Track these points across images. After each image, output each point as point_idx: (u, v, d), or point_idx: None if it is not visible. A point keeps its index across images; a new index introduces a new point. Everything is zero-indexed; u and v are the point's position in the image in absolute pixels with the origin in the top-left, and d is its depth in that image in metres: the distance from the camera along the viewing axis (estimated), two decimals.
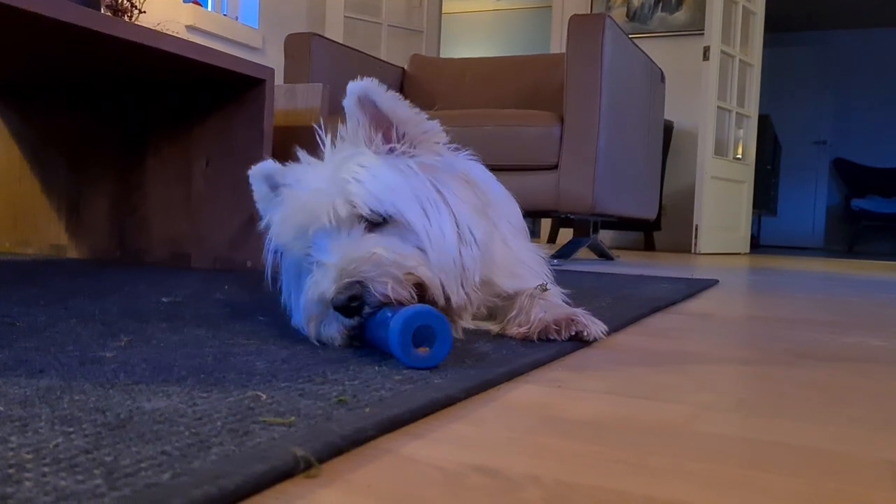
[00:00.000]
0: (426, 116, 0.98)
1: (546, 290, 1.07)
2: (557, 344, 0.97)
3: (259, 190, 1.04)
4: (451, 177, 0.97)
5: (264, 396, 0.64)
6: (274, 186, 1.01)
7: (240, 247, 1.91)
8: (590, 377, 0.83)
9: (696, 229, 5.07)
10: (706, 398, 0.76)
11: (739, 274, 3.03)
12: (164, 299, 1.27)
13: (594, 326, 1.01)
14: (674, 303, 1.65)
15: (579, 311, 1.03)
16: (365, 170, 0.91)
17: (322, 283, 0.86)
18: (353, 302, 0.84)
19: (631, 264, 3.29)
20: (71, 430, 0.52)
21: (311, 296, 0.88)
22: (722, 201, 5.26)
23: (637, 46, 3.23)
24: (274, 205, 1.00)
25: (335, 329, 0.88)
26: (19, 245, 2.26)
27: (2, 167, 2.27)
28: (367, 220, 0.89)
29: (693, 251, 5.11)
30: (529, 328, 0.98)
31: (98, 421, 0.55)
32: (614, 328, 1.20)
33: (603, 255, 3.64)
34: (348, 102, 0.94)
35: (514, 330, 1.00)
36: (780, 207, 8.87)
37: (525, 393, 0.75)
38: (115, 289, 1.41)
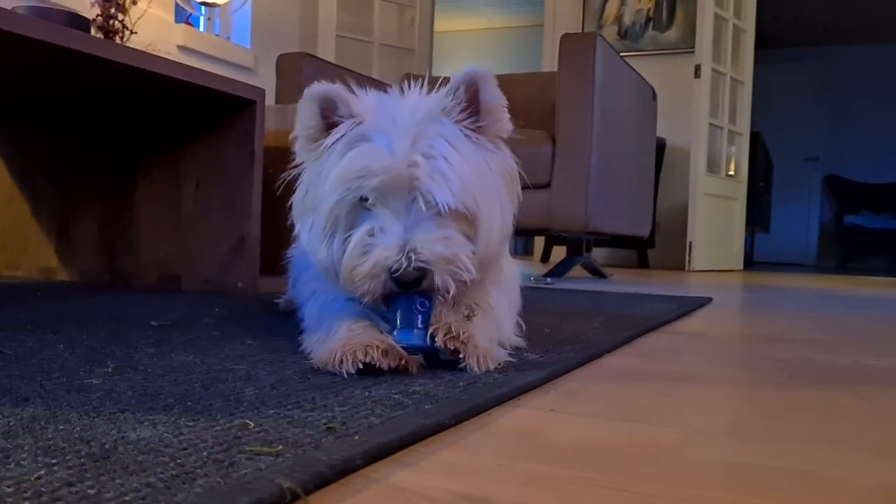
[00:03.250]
0: (507, 113, 1.00)
1: (473, 315, 1.00)
2: (548, 366, 0.96)
3: (309, 110, 0.98)
4: (502, 171, 1.00)
5: (252, 424, 0.63)
6: (328, 111, 0.97)
7: (230, 269, 1.90)
8: (582, 401, 0.83)
9: (690, 246, 5.08)
10: (699, 421, 0.75)
11: (733, 291, 3.03)
12: (152, 323, 1.26)
13: (478, 358, 0.91)
14: (667, 322, 1.65)
15: (478, 337, 0.94)
16: (453, 152, 0.92)
17: (389, 249, 0.88)
18: (418, 284, 0.89)
19: (624, 282, 3.28)
20: (54, 461, 0.51)
21: (365, 248, 0.90)
22: (715, 218, 5.28)
23: (628, 65, 3.24)
24: (336, 135, 0.96)
25: (377, 287, 0.90)
26: (8, 268, 2.24)
27: None
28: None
29: (687, 268, 5.11)
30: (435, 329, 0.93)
31: (82, 452, 0.54)
32: (607, 349, 1.19)
33: (596, 273, 3.64)
34: (459, 76, 0.96)
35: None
36: (773, 224, 8.90)
37: (516, 418, 0.74)
38: (104, 313, 1.40)
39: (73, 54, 1.46)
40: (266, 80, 4.68)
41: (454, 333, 0.90)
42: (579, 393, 0.87)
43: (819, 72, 9.13)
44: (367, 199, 0.91)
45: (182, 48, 4.16)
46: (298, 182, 1.02)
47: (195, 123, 1.96)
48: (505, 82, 3.49)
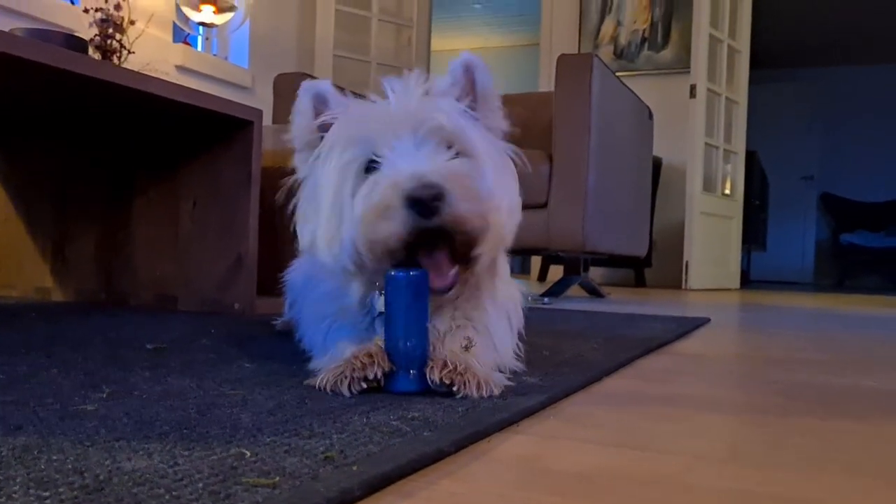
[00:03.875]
0: (501, 108, 1.00)
1: (472, 346, 0.97)
2: (547, 390, 0.96)
3: (303, 105, 0.97)
4: (504, 155, 0.99)
5: (248, 454, 0.62)
6: (322, 108, 0.96)
7: (227, 289, 1.90)
8: (582, 426, 0.82)
9: (687, 265, 5.08)
10: (700, 447, 0.75)
11: (730, 311, 3.03)
12: (148, 346, 1.25)
13: (472, 385, 0.88)
14: (666, 343, 1.64)
15: (483, 367, 0.93)
16: (451, 111, 0.91)
17: (399, 175, 0.84)
18: (436, 201, 0.82)
19: (622, 302, 3.28)
20: (46, 494, 0.51)
21: (376, 186, 0.85)
22: (711, 237, 5.28)
23: (624, 85, 3.26)
24: (328, 117, 0.95)
25: (397, 228, 0.84)
26: (3, 288, 2.23)
27: None
28: (446, 146, 0.89)
29: (683, 287, 5.11)
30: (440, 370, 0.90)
31: (76, 484, 0.53)
32: (606, 371, 1.18)
33: (594, 292, 3.63)
34: (457, 62, 0.97)
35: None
36: (770, 242, 8.91)
37: (516, 444, 0.73)
38: (99, 334, 1.39)
39: (72, 76, 1.46)
40: (264, 99, 4.69)
41: (450, 367, 0.89)
42: (579, 418, 0.86)
43: (813, 91, 9.18)
44: (373, 158, 0.89)
45: (180, 68, 4.17)
46: (299, 191, 0.99)
47: (193, 143, 1.96)
48: (503, 101, 3.49)
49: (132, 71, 1.57)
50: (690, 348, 1.61)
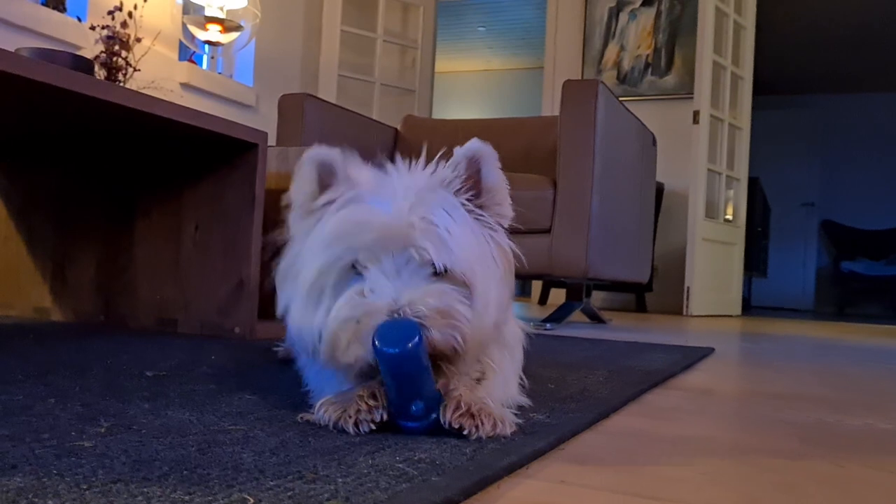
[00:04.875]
0: (508, 198, 0.97)
1: (483, 378, 0.98)
2: (555, 429, 0.93)
3: (307, 174, 0.94)
4: (501, 252, 0.96)
5: (251, 500, 0.60)
6: (326, 177, 0.93)
7: (228, 313, 1.87)
8: (592, 470, 0.80)
9: (688, 291, 5.06)
10: (713, 496, 0.72)
11: (734, 340, 3.00)
12: (147, 373, 1.23)
13: (487, 426, 0.86)
14: (671, 376, 1.62)
15: (494, 404, 0.91)
16: (451, 220, 0.88)
17: (377, 303, 0.83)
18: None
19: (624, 329, 3.25)
20: None
21: (352, 309, 0.85)
22: (713, 263, 5.27)
23: (629, 111, 3.25)
24: (331, 196, 0.92)
25: (365, 355, 0.84)
26: (1, 307, 2.21)
27: None
28: (433, 265, 0.87)
29: (685, 313, 5.09)
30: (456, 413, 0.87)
31: None
32: (613, 407, 1.16)
33: (595, 318, 3.61)
34: (462, 151, 0.93)
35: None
36: (770, 269, 8.90)
37: (527, 491, 0.71)
38: (98, 361, 1.37)
39: (77, 97, 1.45)
40: (268, 118, 4.69)
41: (464, 409, 0.86)
42: (589, 460, 0.84)
43: (815, 118, 9.21)
44: (357, 264, 0.87)
45: (185, 85, 4.17)
46: (286, 249, 0.98)
47: (197, 164, 1.95)
48: (507, 126, 3.51)
49: (139, 93, 1.56)
50: (697, 382, 1.59)
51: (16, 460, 0.68)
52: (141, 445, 0.76)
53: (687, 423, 1.11)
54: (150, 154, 2.03)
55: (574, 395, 1.25)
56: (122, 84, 3.45)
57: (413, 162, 0.96)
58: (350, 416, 0.86)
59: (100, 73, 3.25)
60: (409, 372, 0.83)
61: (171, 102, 1.63)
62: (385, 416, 0.86)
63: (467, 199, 0.93)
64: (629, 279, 3.32)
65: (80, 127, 1.83)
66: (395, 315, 0.83)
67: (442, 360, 0.88)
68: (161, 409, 0.95)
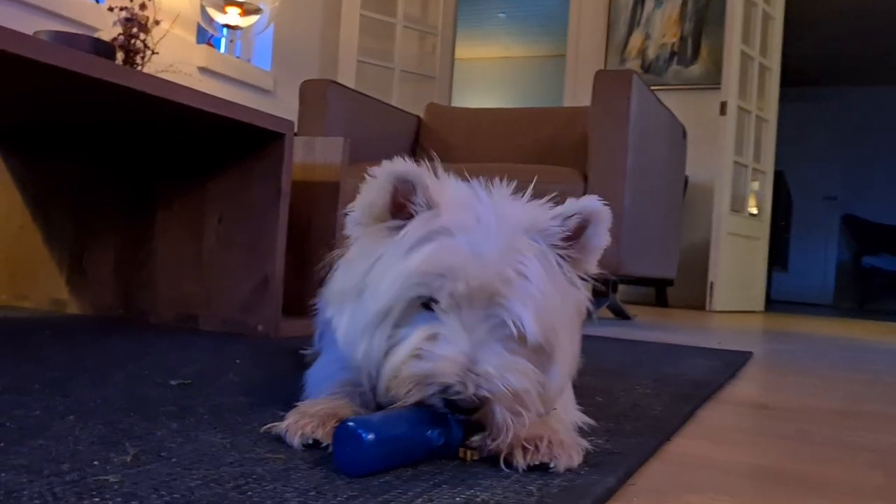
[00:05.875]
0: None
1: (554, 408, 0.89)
2: (620, 460, 0.85)
3: (382, 187, 0.85)
4: (579, 309, 0.89)
5: None
6: (404, 193, 0.85)
7: (252, 310, 1.80)
8: None
9: (711, 286, 4.96)
10: None
11: (765, 341, 2.91)
12: (172, 382, 1.15)
13: (564, 457, 0.79)
14: (719, 387, 1.53)
15: (561, 430, 0.84)
16: (546, 277, 0.81)
17: (453, 363, 0.75)
18: (471, 413, 0.77)
19: (650, 326, 3.16)
20: None
21: (420, 355, 0.78)
22: (737, 258, 5.16)
23: (661, 102, 3.15)
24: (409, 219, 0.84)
25: (418, 397, 0.77)
26: (17, 298, 2.14)
27: (3, 215, 2.16)
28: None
29: (707, 308, 4.99)
30: (498, 446, 0.79)
31: None
32: (673, 429, 1.08)
33: (620, 314, 3.52)
34: (577, 206, 0.85)
35: (484, 442, 0.80)
36: (791, 263, 8.77)
37: None
38: (119, 365, 1.29)
39: (98, 83, 1.37)
40: (286, 103, 4.61)
41: (531, 448, 0.77)
42: (666, 501, 0.75)
43: (839, 112, 9.04)
44: (435, 302, 0.79)
45: (203, 69, 4.10)
46: (340, 259, 0.90)
47: (220, 154, 1.86)
48: (532, 116, 3.41)
49: (161, 79, 1.48)
50: (747, 395, 1.50)
51: (33, 501, 0.60)
52: (172, 481, 0.68)
53: (752, 449, 1.02)
54: (172, 143, 1.95)
55: (626, 412, 1.16)
56: (140, 67, 3.37)
57: (500, 182, 0.88)
58: (296, 431, 0.81)
59: (118, 55, 3.17)
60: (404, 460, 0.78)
61: (194, 90, 1.55)
62: (323, 441, 0.80)
63: (560, 251, 0.85)
64: (658, 275, 3.24)
65: (100, 114, 1.75)
66: (469, 382, 0.75)
67: (481, 430, 0.80)
68: (190, 429, 0.87)
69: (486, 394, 0.75)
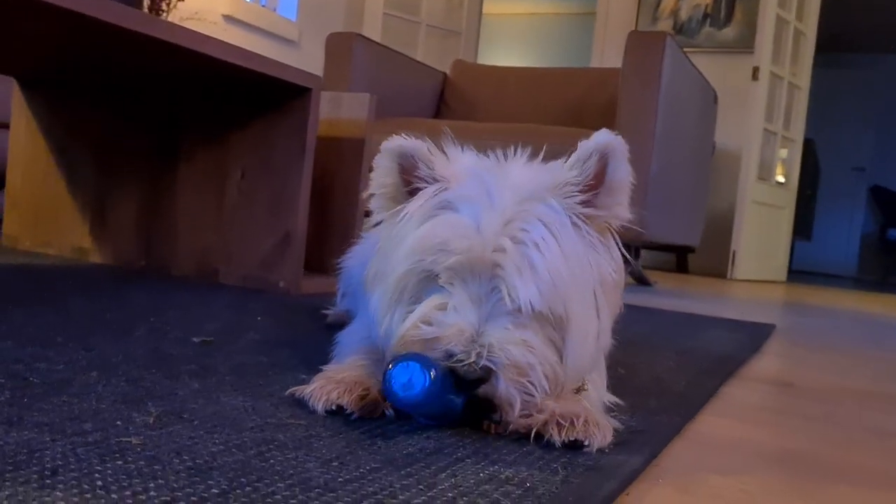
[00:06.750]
0: (628, 195, 0.84)
1: (585, 389, 0.88)
2: (646, 440, 0.84)
3: (386, 168, 0.86)
4: (604, 274, 0.84)
5: None
6: (409, 168, 0.84)
7: (272, 266, 1.79)
8: (700, 498, 0.70)
9: (734, 255, 4.91)
10: None
11: (788, 314, 2.88)
12: (194, 339, 1.15)
13: (599, 436, 0.77)
14: (743, 362, 1.51)
15: (594, 409, 0.83)
16: (551, 240, 0.78)
17: (460, 332, 0.75)
18: (475, 386, 0.75)
19: (670, 294, 3.14)
20: None
21: (433, 330, 0.77)
22: (761, 227, 5.10)
23: (694, 66, 3.08)
24: (419, 201, 0.83)
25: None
26: (40, 245, 2.15)
27: (27, 161, 2.15)
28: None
29: (728, 276, 4.95)
30: (532, 421, 0.78)
31: None
32: (697, 407, 1.06)
33: (641, 280, 3.50)
34: (591, 145, 0.82)
35: (517, 419, 0.78)
36: (815, 233, 8.67)
37: None
38: (141, 318, 1.29)
39: (123, 31, 1.34)
40: (310, 55, 4.56)
41: (566, 424, 0.77)
42: (693, 485, 0.74)
43: (873, 80, 8.83)
44: (439, 276, 0.79)
45: (227, 17, 4.05)
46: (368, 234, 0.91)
47: (245, 108, 1.84)
48: (561, 76, 3.34)
49: (188, 30, 1.45)
50: (772, 372, 1.48)
51: (56, 462, 0.60)
52: (195, 445, 0.67)
53: (778, 430, 1.00)
54: (196, 94, 1.92)
55: (649, 385, 1.15)
56: (165, 15, 3.34)
57: (522, 150, 0.85)
58: (321, 396, 0.81)
59: (144, 2, 3.13)
60: (428, 412, 0.78)
61: (221, 41, 1.52)
62: (349, 409, 0.80)
63: (583, 201, 0.82)
64: (683, 242, 3.20)
65: (125, 63, 1.73)
66: (473, 352, 0.74)
67: (490, 409, 0.78)
68: (212, 390, 0.87)
69: (489, 364, 0.74)
